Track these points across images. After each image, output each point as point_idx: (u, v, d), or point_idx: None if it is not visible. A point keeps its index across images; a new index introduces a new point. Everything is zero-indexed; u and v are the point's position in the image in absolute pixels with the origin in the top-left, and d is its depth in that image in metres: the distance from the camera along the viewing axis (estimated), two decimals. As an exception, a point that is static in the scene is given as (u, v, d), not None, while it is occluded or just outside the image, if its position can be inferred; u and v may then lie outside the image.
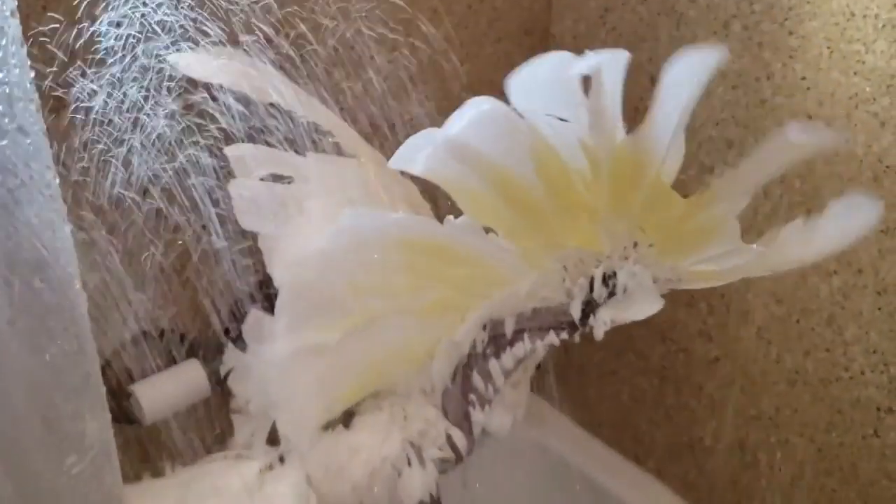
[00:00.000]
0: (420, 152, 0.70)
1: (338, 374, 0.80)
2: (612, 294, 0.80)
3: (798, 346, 1.06)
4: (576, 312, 0.80)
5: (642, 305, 0.79)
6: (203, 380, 1.01)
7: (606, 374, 1.36)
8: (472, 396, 0.84)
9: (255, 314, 0.81)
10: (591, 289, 0.80)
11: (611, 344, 1.25)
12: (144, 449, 1.09)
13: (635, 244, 0.78)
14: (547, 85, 0.68)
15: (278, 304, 0.77)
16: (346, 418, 0.84)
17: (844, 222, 0.71)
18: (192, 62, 0.82)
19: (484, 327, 0.82)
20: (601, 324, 0.80)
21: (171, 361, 1.03)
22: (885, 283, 0.95)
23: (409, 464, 0.82)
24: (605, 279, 0.79)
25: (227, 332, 1.05)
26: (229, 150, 0.86)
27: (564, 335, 0.81)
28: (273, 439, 0.84)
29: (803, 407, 1.08)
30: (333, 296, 0.78)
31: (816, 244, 0.73)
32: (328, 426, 0.83)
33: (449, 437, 0.84)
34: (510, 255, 0.79)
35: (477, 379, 0.84)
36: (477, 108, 0.69)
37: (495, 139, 0.71)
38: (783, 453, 1.13)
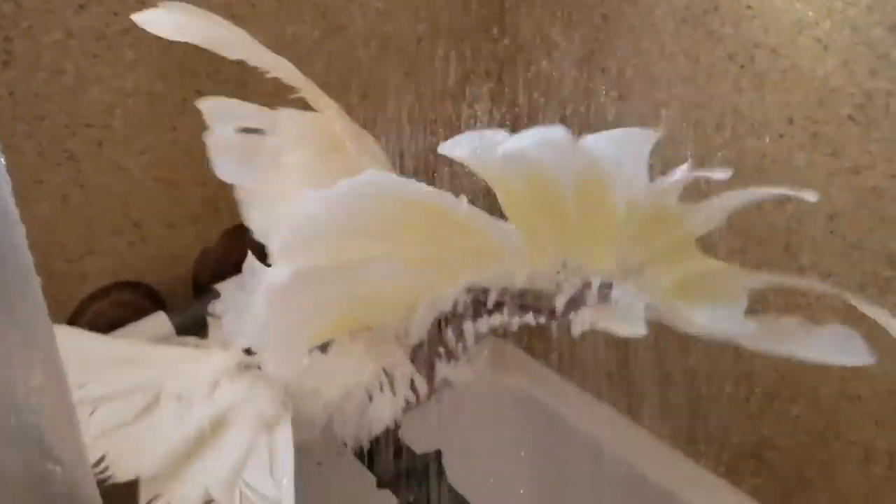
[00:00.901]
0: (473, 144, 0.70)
1: (326, 303, 0.81)
2: (603, 300, 0.79)
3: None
4: (560, 305, 0.80)
5: (625, 325, 0.79)
6: (171, 332, 1.02)
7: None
8: (441, 350, 0.85)
9: (250, 259, 0.83)
10: (582, 290, 0.79)
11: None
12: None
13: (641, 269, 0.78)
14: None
15: (280, 233, 0.78)
16: (323, 346, 0.85)
17: (836, 349, 0.76)
18: (156, 18, 0.83)
19: (468, 290, 0.83)
20: (580, 323, 0.79)
21: (140, 314, 1.04)
22: (836, 207, 0.96)
23: (381, 390, 0.83)
24: (600, 287, 0.79)
25: (196, 282, 1.06)
26: (201, 104, 0.87)
27: (542, 319, 0.82)
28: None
29: (765, 335, 1.09)
30: (335, 234, 0.79)
31: (808, 353, 0.76)
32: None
33: (412, 382, 0.85)
34: (518, 248, 0.78)
35: (449, 335, 0.85)
36: (545, 131, 0.68)
37: (551, 151, 0.70)
38: (749, 383, 1.14)
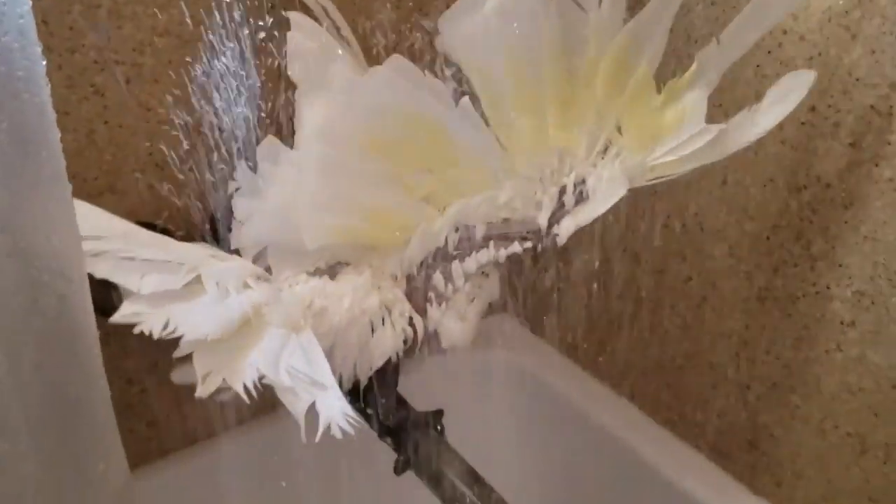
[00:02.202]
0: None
1: (338, 199, 0.85)
2: (578, 201, 0.83)
3: (768, 263, 1.08)
4: (543, 222, 0.84)
5: (608, 197, 0.83)
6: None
7: (583, 298, 1.38)
8: (432, 294, 0.87)
9: (271, 139, 0.84)
10: (560, 198, 0.85)
11: (587, 267, 1.27)
12: (125, 342, 1.10)
13: (606, 148, 0.85)
14: None
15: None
16: (331, 273, 0.86)
17: (783, 98, 0.81)
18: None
19: (456, 230, 0.86)
20: (565, 230, 0.85)
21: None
22: (852, 197, 0.96)
23: (383, 323, 0.85)
24: (575, 187, 0.84)
25: (212, 225, 1.07)
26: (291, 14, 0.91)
27: (528, 244, 0.87)
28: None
29: (771, 324, 1.10)
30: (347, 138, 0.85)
31: (761, 123, 0.82)
32: (315, 273, 0.86)
33: (410, 320, 0.87)
34: (497, 156, 0.86)
35: (438, 278, 0.88)
36: None
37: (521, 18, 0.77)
38: (751, 371, 1.15)
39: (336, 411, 0.69)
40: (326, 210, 0.86)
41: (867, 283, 0.98)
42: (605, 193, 0.83)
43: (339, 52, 0.91)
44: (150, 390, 1.19)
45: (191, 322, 0.73)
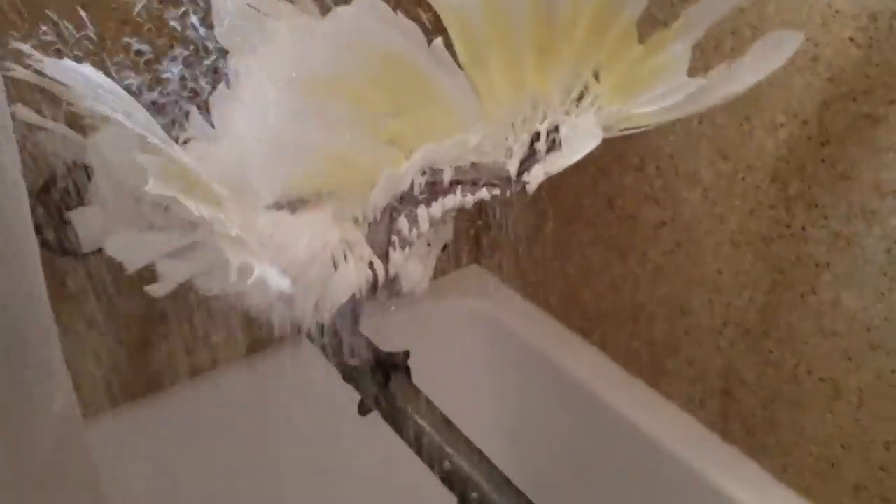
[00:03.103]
0: None
1: (290, 148, 0.83)
2: (550, 149, 0.81)
3: (743, 205, 1.06)
4: (513, 168, 0.83)
5: (581, 146, 0.81)
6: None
7: (555, 246, 1.36)
8: (395, 238, 0.85)
9: (223, 85, 0.82)
10: (532, 146, 0.83)
11: (560, 215, 1.25)
12: (84, 285, 1.08)
13: (582, 95, 0.82)
14: None
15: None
16: (291, 208, 0.84)
17: (767, 56, 0.78)
18: None
19: (423, 173, 0.83)
20: (535, 178, 0.83)
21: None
22: (829, 134, 0.94)
23: (345, 259, 0.82)
24: (548, 134, 0.82)
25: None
26: None
27: (496, 191, 0.85)
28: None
29: (745, 267, 1.08)
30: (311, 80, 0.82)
31: (743, 79, 0.79)
32: (272, 206, 0.83)
33: (371, 264, 0.85)
34: (469, 100, 0.84)
35: (403, 222, 0.86)
36: None
37: None
38: (724, 316, 1.13)
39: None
40: (281, 158, 0.83)
41: (843, 224, 0.96)
42: (578, 143, 0.81)
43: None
44: (110, 334, 1.16)
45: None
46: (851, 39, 0.89)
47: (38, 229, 0.99)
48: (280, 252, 0.81)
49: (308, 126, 0.82)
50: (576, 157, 0.82)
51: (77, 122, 0.81)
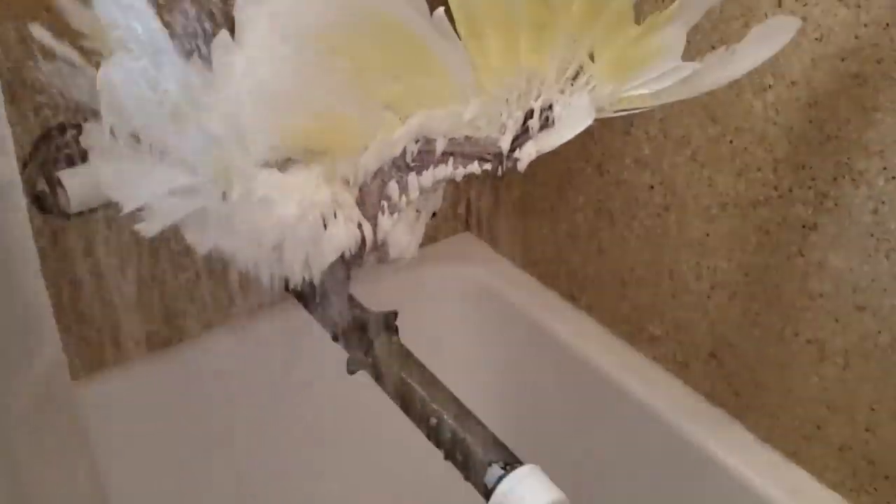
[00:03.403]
0: None
1: (283, 101, 0.82)
2: (543, 127, 0.83)
3: (730, 168, 1.06)
4: (505, 144, 0.84)
5: (573, 126, 0.82)
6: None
7: (545, 212, 1.36)
8: (384, 203, 0.85)
9: (224, 32, 0.81)
10: (525, 123, 0.83)
11: (550, 181, 1.25)
12: (75, 245, 1.08)
13: (577, 74, 0.82)
14: None
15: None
16: (281, 166, 0.84)
17: (765, 41, 0.79)
18: None
19: (417, 141, 0.84)
20: (526, 155, 0.84)
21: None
22: (817, 94, 0.95)
23: (335, 217, 0.83)
24: (541, 112, 0.83)
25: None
26: None
27: (487, 166, 0.85)
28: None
29: (733, 230, 1.09)
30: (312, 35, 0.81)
31: (739, 64, 0.80)
32: (264, 165, 0.84)
33: (360, 225, 0.85)
34: (467, 72, 0.83)
35: (393, 187, 0.86)
36: None
37: None
38: (712, 280, 1.14)
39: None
40: (275, 110, 0.83)
41: (830, 185, 0.96)
42: (571, 121, 0.81)
43: None
44: (101, 295, 1.16)
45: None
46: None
47: (30, 188, 0.99)
48: (269, 209, 0.81)
49: (306, 81, 0.82)
50: (567, 136, 0.83)
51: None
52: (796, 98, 0.96)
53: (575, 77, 0.83)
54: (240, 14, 0.83)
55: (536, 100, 0.83)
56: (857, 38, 0.90)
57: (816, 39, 0.93)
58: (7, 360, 0.66)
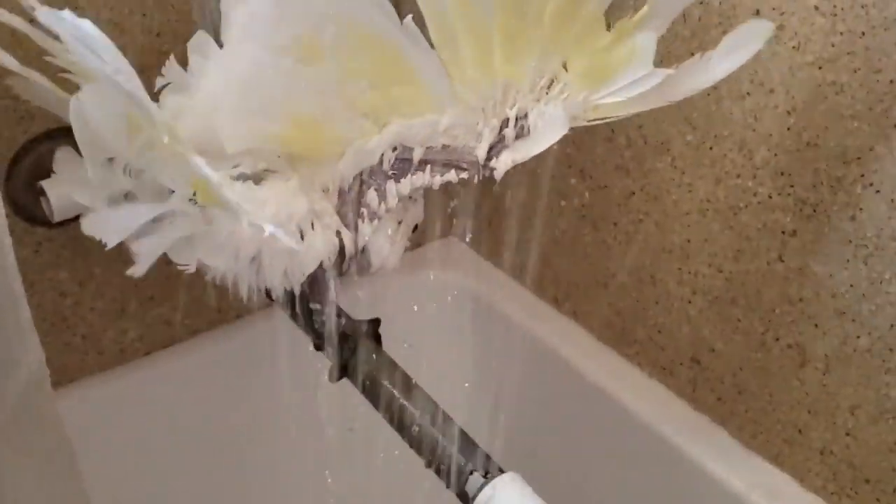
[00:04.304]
0: None
1: (261, 104, 0.83)
2: (519, 136, 0.83)
3: (710, 174, 1.07)
4: (482, 153, 0.84)
5: (548, 135, 0.82)
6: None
7: (529, 218, 1.36)
8: (364, 210, 0.86)
9: (201, 33, 0.82)
10: (501, 132, 0.84)
11: (533, 186, 1.25)
12: (58, 252, 1.08)
13: (551, 83, 0.83)
14: None
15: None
16: (256, 179, 0.84)
17: (739, 47, 0.79)
18: None
19: (394, 149, 0.84)
20: (503, 165, 0.85)
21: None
22: (795, 102, 0.95)
23: (313, 228, 0.83)
24: (517, 120, 0.83)
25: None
26: None
27: (464, 174, 0.86)
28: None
29: (713, 236, 1.09)
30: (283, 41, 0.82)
31: (713, 71, 0.80)
32: (238, 178, 0.84)
33: (338, 233, 0.85)
34: (442, 81, 0.84)
35: (372, 195, 0.87)
36: None
37: None
38: (693, 285, 1.14)
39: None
40: (251, 114, 0.83)
41: (809, 192, 0.97)
42: (546, 131, 0.82)
43: None
44: (84, 303, 1.16)
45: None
46: (816, 8, 0.90)
47: (11, 197, 0.99)
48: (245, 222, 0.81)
49: (283, 86, 0.82)
50: (543, 146, 0.83)
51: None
52: (774, 105, 0.97)
53: (549, 86, 0.83)
54: (224, 7, 0.84)
55: (511, 108, 0.84)
56: (833, 46, 0.90)
57: (794, 48, 0.93)
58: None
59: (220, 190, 0.70)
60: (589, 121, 0.82)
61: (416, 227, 0.94)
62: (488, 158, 0.85)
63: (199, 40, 0.86)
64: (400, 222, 0.91)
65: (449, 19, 0.82)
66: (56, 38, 0.67)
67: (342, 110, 0.85)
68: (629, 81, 0.80)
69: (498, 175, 0.84)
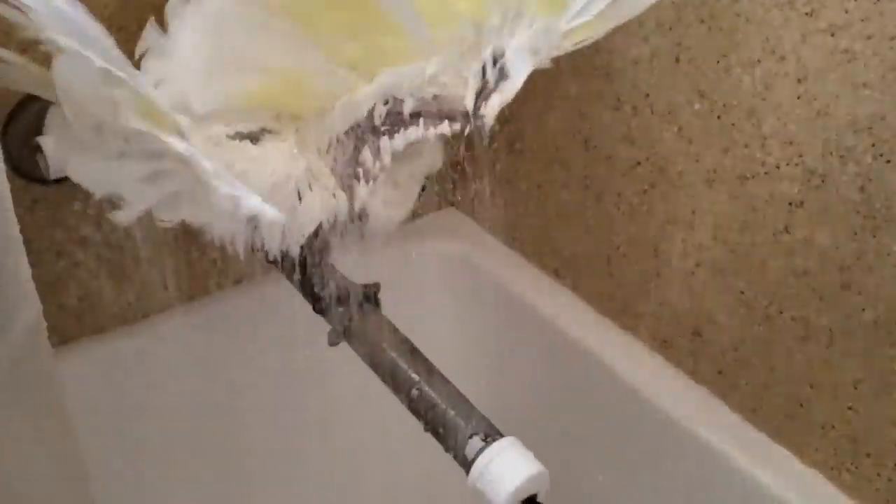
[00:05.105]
0: None
1: (249, 58, 0.83)
2: (501, 77, 0.81)
3: (717, 143, 1.05)
4: (470, 102, 0.82)
5: (520, 70, 0.81)
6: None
7: (531, 188, 1.35)
8: (360, 170, 0.85)
9: None
10: (485, 76, 0.81)
11: (536, 156, 1.24)
12: (54, 213, 1.07)
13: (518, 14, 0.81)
14: None
15: None
16: (254, 138, 0.83)
17: None
18: None
19: (385, 102, 0.83)
20: (491, 110, 0.81)
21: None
22: (807, 70, 0.94)
23: (310, 189, 0.82)
24: (495, 61, 0.80)
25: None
26: None
27: (457, 126, 0.83)
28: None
29: (719, 207, 1.08)
30: None
31: None
32: (234, 137, 0.82)
33: (334, 196, 0.84)
34: (420, 25, 0.82)
35: (366, 154, 0.85)
36: None
37: None
38: (697, 257, 1.13)
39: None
40: (221, 70, 0.82)
41: (818, 162, 0.96)
42: (519, 65, 0.80)
43: None
44: (81, 264, 1.15)
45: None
46: (831, -27, 0.89)
47: (8, 153, 0.98)
48: (242, 182, 0.80)
49: (262, 42, 0.81)
50: (520, 80, 0.81)
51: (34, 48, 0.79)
52: (785, 73, 0.96)
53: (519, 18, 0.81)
54: None
55: (487, 48, 0.81)
56: (847, 13, 0.89)
57: (807, 14, 0.92)
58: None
59: (196, 161, 0.69)
60: (567, 48, 0.80)
61: (423, 189, 0.92)
62: (477, 107, 0.82)
63: (174, 4, 0.84)
64: (404, 179, 0.90)
65: None
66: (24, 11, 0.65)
67: (324, 63, 0.84)
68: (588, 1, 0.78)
69: (488, 122, 0.81)
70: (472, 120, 0.83)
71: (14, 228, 0.66)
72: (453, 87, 0.84)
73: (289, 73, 0.82)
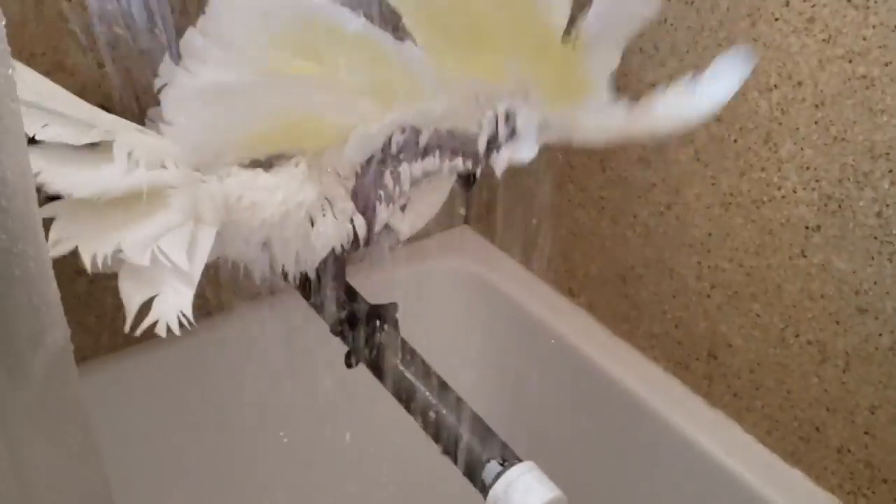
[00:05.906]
0: None
1: (250, 114, 0.81)
2: (512, 135, 0.83)
3: (734, 167, 1.06)
4: (481, 146, 0.84)
5: (523, 151, 0.83)
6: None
7: (545, 208, 1.35)
8: (381, 192, 0.85)
9: (192, 31, 0.81)
10: (496, 126, 0.83)
11: (551, 177, 1.24)
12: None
13: (529, 90, 0.83)
14: None
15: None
16: (267, 165, 0.84)
17: (724, 77, 0.76)
18: None
19: (403, 131, 0.83)
20: (501, 164, 0.84)
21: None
22: (824, 96, 0.94)
23: (324, 215, 0.82)
24: (507, 117, 0.83)
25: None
26: None
27: (470, 164, 0.85)
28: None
29: (735, 230, 1.08)
30: (262, 44, 0.80)
31: (697, 104, 0.77)
32: (249, 165, 0.83)
33: (351, 221, 0.84)
34: (426, 69, 0.82)
35: (388, 177, 0.86)
36: None
37: None
38: (712, 280, 1.13)
39: (171, 308, 0.68)
40: (232, 116, 0.83)
41: (835, 186, 0.96)
42: (528, 131, 0.81)
43: None
44: (100, 283, 1.15)
45: (74, 180, 0.70)
46: (848, 0, 0.89)
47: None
48: (252, 212, 0.81)
49: (273, 85, 0.81)
50: (532, 147, 0.82)
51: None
52: (802, 98, 0.96)
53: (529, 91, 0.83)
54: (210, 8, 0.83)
55: (500, 104, 0.83)
56: (864, 39, 0.89)
57: (824, 40, 0.92)
58: (14, 344, 0.65)
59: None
60: (576, 138, 0.81)
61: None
62: (489, 152, 0.84)
63: (191, 37, 0.85)
64: (421, 200, 0.90)
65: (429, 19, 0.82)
66: None
67: (338, 97, 0.84)
68: (594, 111, 0.80)
69: (497, 171, 0.84)
70: (482, 162, 0.84)
71: (46, 253, 0.66)
72: (465, 124, 0.85)
73: (306, 119, 0.83)
